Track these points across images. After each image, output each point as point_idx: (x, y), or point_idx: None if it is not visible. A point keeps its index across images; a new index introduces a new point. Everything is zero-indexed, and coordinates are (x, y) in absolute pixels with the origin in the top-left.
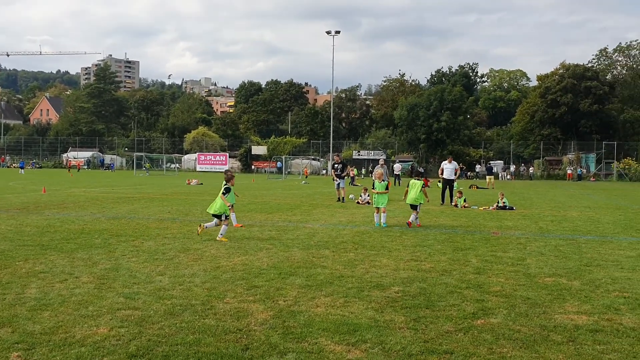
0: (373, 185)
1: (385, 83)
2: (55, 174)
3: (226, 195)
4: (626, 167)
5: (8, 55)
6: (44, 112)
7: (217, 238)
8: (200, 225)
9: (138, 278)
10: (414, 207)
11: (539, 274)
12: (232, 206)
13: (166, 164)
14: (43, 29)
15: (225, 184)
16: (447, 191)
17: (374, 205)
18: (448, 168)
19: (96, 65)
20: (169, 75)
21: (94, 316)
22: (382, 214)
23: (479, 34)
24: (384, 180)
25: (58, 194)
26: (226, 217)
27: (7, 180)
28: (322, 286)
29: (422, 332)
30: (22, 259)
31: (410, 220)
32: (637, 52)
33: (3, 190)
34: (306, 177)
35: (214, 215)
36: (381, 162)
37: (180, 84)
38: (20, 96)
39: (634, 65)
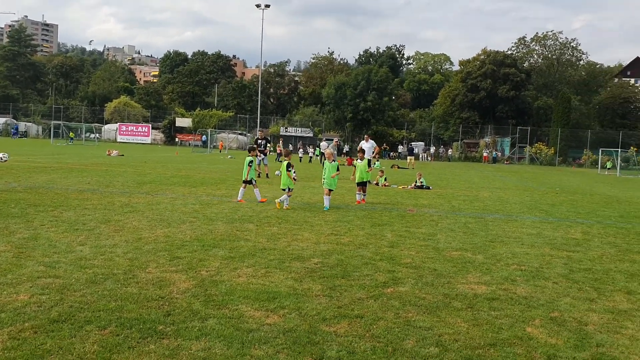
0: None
1: (314, 60)
2: None
3: (291, 170)
4: (537, 151)
5: None
6: None
7: (284, 207)
8: (277, 203)
9: (58, 248)
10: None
11: (447, 248)
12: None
13: (85, 133)
14: None
15: (286, 161)
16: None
17: (325, 187)
18: (366, 147)
19: (10, 26)
20: (90, 41)
21: (13, 284)
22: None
23: (409, 16)
24: (334, 161)
25: None
26: (289, 189)
27: None
28: (245, 258)
29: (337, 299)
30: None
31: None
32: (552, 42)
33: None
34: (220, 151)
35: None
36: (335, 141)
37: (102, 50)
38: None
39: (549, 55)
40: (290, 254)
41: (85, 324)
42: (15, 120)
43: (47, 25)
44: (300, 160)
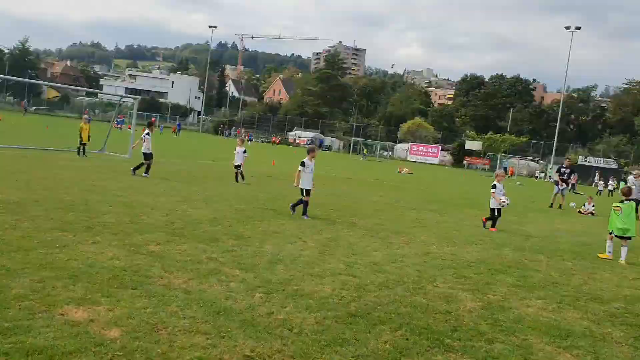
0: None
1: (627, 85)
2: (280, 150)
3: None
4: None
5: (252, 38)
6: (276, 92)
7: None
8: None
9: (356, 250)
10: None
11: None
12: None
13: (379, 150)
14: (287, 14)
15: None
16: None
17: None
18: (636, 185)
19: (326, 51)
20: (392, 65)
21: (319, 276)
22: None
23: None
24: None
25: (285, 167)
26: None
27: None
28: (534, 289)
29: None
30: (259, 219)
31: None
32: None
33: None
34: (510, 176)
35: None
36: (636, 172)
37: (402, 73)
38: (258, 76)
39: None
40: (587, 293)
41: (378, 322)
42: (322, 135)
43: (357, 49)
44: (599, 194)
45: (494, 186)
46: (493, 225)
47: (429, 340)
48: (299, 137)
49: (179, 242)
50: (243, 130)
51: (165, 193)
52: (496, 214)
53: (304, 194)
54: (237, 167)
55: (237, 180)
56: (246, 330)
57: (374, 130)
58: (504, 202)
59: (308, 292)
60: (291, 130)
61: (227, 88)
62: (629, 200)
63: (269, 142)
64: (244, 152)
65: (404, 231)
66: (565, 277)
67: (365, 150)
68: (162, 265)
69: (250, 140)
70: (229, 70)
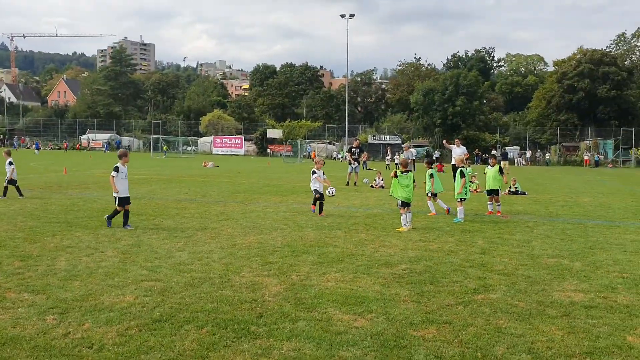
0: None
1: (401, 67)
2: (73, 155)
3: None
4: None
5: (25, 37)
6: (61, 94)
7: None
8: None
9: (159, 253)
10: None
11: (542, 255)
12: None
13: (182, 146)
14: (60, 11)
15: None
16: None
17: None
18: (456, 152)
19: (112, 47)
20: (184, 58)
21: (120, 286)
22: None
23: (499, 17)
24: (408, 171)
25: (79, 175)
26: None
27: (28, 161)
28: (333, 263)
29: (425, 304)
30: (50, 234)
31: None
32: None
33: (26, 171)
34: (313, 160)
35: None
36: (405, 146)
37: (195, 66)
38: (37, 78)
39: None
40: (378, 260)
41: (184, 323)
42: (118, 136)
43: (145, 44)
44: (387, 168)
45: (314, 172)
46: (320, 211)
47: (235, 332)
48: (92, 140)
49: None
50: (28, 139)
51: None
52: (319, 196)
53: (118, 203)
54: (13, 181)
55: (21, 195)
56: (38, 357)
57: (174, 125)
58: (331, 192)
59: (108, 305)
60: (83, 133)
61: (1, 93)
62: (407, 171)
63: (60, 149)
64: (10, 163)
65: (209, 226)
66: (360, 248)
67: (165, 146)
68: None
69: (38, 149)
70: (1, 73)
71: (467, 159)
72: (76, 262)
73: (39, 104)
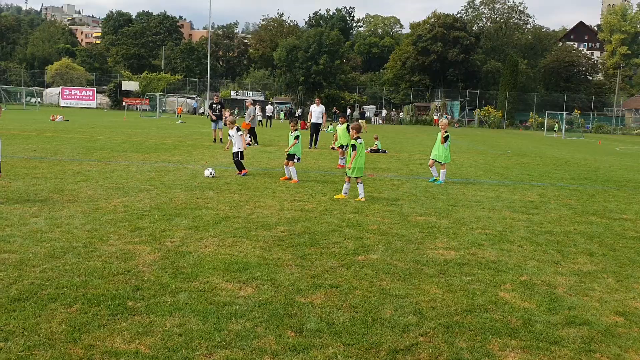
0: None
1: (264, 22)
2: None
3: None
4: (486, 114)
5: None
6: None
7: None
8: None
9: (10, 220)
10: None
11: (411, 213)
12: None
13: (26, 97)
14: None
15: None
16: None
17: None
18: (316, 111)
19: None
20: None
21: None
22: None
23: None
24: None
25: None
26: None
27: None
28: (209, 227)
29: (309, 268)
30: None
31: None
32: (501, 5)
33: None
34: (179, 115)
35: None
36: (248, 102)
37: (39, 10)
38: None
39: (497, 18)
40: (256, 222)
41: (49, 301)
42: None
43: None
44: (260, 125)
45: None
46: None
47: (110, 309)
48: None
49: None
50: None
51: None
52: (239, 157)
53: None
54: None
55: None
56: None
57: (15, 74)
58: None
59: None
60: None
61: None
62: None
63: None
64: None
65: (66, 188)
66: (236, 210)
67: None
68: None
69: None
70: None
71: (324, 118)
72: None
73: None
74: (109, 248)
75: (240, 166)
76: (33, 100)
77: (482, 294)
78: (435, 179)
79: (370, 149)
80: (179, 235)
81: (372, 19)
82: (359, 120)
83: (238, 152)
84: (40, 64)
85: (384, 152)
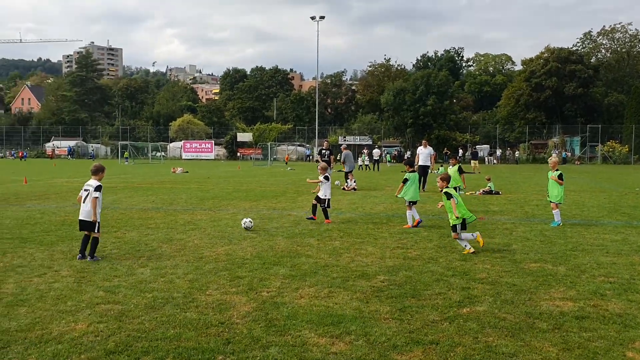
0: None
1: (371, 68)
2: (37, 163)
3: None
4: (610, 150)
5: None
6: (25, 100)
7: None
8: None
9: (119, 270)
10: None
11: (524, 259)
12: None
13: (152, 152)
14: (27, 15)
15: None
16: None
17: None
18: (423, 153)
19: (78, 53)
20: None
21: (73, 311)
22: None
23: (470, 18)
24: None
25: (40, 184)
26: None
27: None
28: (307, 276)
29: (408, 322)
30: (0, 253)
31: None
32: (622, 35)
33: None
34: (286, 163)
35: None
36: (343, 146)
37: (165, 71)
38: (0, 85)
39: (618, 49)
40: (355, 271)
41: (142, 354)
42: (85, 143)
43: (112, 49)
44: (367, 169)
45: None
46: (314, 213)
47: None
48: (57, 147)
49: None
50: None
51: None
52: (325, 205)
53: (84, 228)
54: None
55: None
56: None
57: (143, 131)
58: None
59: (56, 335)
60: (48, 140)
61: None
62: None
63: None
64: None
65: (175, 238)
66: (335, 258)
67: (126, 153)
68: None
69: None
70: None
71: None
72: (26, 284)
73: (2, 111)
74: (206, 298)
75: (325, 214)
76: (158, 154)
77: (606, 354)
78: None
79: (483, 191)
80: (275, 285)
81: (482, 58)
82: (472, 161)
83: (323, 199)
84: (165, 120)
85: (497, 193)
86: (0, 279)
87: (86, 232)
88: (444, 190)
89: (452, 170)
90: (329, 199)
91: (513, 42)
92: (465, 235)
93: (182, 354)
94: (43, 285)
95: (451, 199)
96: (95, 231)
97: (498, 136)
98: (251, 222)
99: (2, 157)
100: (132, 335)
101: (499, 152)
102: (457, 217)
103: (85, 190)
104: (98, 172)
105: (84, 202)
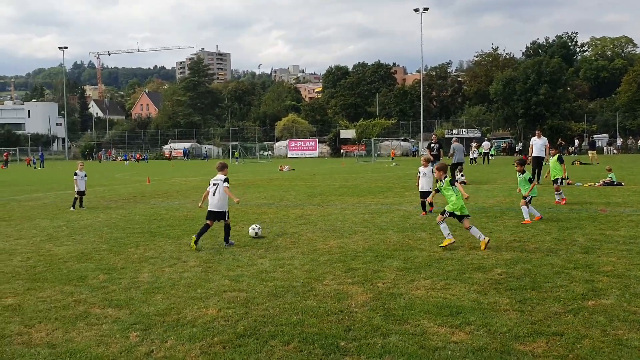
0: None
1: (478, 58)
2: (157, 165)
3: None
4: None
5: (110, 54)
6: (144, 106)
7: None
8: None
9: (241, 261)
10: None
11: None
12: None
13: (259, 151)
14: (144, 25)
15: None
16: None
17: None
18: (537, 144)
19: (190, 59)
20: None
21: (203, 298)
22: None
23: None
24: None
25: (161, 184)
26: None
27: (114, 173)
28: (421, 268)
29: (529, 314)
30: (134, 245)
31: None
32: None
33: (111, 182)
34: (392, 158)
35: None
36: (454, 139)
37: (269, 73)
38: (121, 92)
39: None
40: (470, 264)
41: (269, 338)
42: (198, 144)
43: (221, 54)
44: (474, 162)
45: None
46: (424, 210)
47: (323, 348)
48: (174, 149)
49: (41, 287)
50: (114, 152)
51: (25, 234)
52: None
53: (211, 218)
54: (82, 193)
55: (81, 206)
56: None
57: (250, 132)
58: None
59: (191, 319)
60: (165, 143)
61: (90, 109)
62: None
63: (141, 160)
64: (85, 176)
65: (289, 231)
66: (449, 251)
67: (236, 153)
68: (22, 319)
69: (126, 159)
70: (89, 90)
71: (547, 151)
72: (159, 273)
73: (124, 117)
74: (324, 288)
75: (423, 206)
76: (265, 153)
77: None
78: None
79: (604, 182)
80: (390, 277)
81: (598, 42)
82: (589, 151)
83: (425, 192)
84: (271, 120)
85: (620, 184)
86: (137, 269)
87: (207, 222)
88: (446, 178)
89: (552, 160)
90: (429, 192)
91: (634, 23)
92: (474, 230)
93: (307, 338)
94: (174, 274)
95: (456, 184)
96: (226, 219)
97: (618, 124)
98: (260, 229)
99: (124, 160)
100: (259, 320)
101: (619, 141)
102: (467, 198)
103: (214, 184)
104: (223, 168)
105: (213, 196)
